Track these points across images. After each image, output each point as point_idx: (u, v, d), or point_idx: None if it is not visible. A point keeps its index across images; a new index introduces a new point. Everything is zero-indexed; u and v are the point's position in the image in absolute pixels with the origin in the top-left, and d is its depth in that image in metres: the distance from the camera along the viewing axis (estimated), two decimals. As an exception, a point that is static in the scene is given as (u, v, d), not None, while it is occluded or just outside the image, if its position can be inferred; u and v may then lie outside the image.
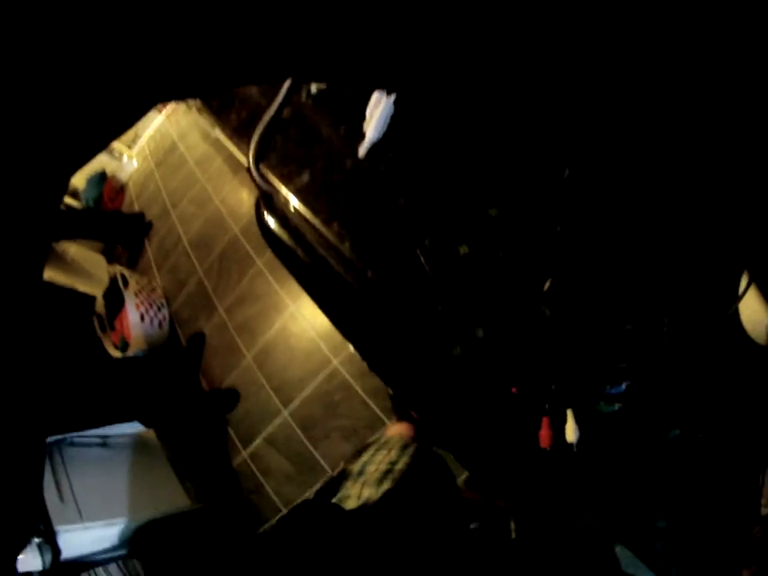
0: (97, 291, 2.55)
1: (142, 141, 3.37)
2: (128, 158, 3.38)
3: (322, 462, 1.89)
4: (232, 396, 2.18)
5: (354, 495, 0.69)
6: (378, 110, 0.69)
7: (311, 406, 1.96)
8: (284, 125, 0.80)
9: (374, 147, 0.70)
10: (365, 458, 0.81)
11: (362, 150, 0.70)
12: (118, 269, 2.46)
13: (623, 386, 0.54)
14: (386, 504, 0.65)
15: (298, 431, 1.97)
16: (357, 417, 1.84)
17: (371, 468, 0.76)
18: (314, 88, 0.79)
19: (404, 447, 0.81)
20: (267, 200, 0.85)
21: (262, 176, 0.79)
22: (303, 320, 2.08)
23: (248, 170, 0.81)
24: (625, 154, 0.55)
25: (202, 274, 2.50)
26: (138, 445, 2.19)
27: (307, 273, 0.81)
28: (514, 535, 0.66)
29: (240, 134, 0.83)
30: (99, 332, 2.46)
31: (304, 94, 0.80)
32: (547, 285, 0.57)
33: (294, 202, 0.74)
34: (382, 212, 0.67)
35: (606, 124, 0.55)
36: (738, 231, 0.51)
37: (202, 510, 2.08)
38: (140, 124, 3.36)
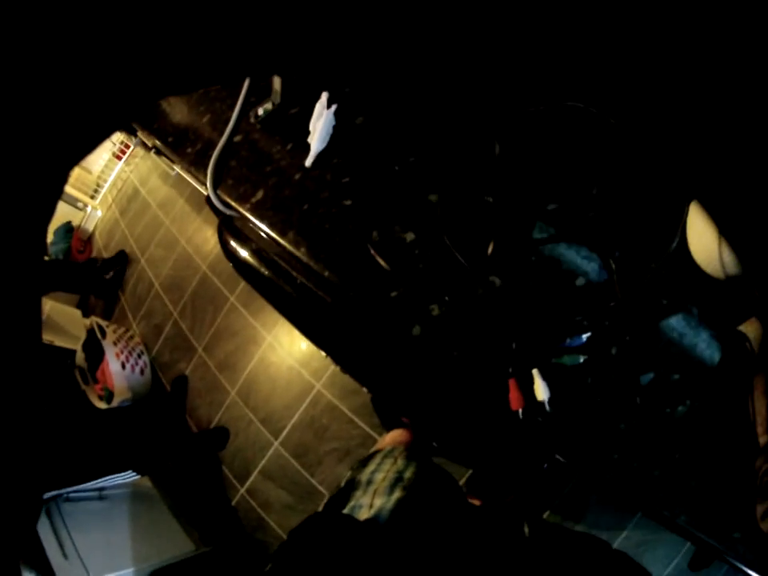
0: (75, 345, 2.52)
1: (104, 190, 3.35)
2: (92, 208, 3.36)
3: (320, 487, 1.88)
4: (222, 434, 2.16)
5: (365, 505, 0.68)
6: (320, 123, 0.73)
7: (301, 433, 1.95)
8: (236, 149, 0.83)
9: (320, 156, 0.74)
10: (371, 467, 0.80)
11: (309, 161, 0.74)
12: (94, 320, 2.45)
13: (583, 337, 0.55)
14: (401, 512, 0.65)
15: (292, 460, 1.96)
16: (347, 437, 1.84)
17: (379, 476, 0.75)
18: (261, 111, 0.82)
19: (409, 457, 0.81)
20: (228, 224, 0.87)
21: (220, 200, 0.82)
22: (281, 349, 2.08)
23: (207, 197, 0.84)
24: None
25: (177, 316, 2.48)
26: (135, 494, 2.15)
27: (273, 290, 0.84)
28: (527, 534, 0.64)
29: (197, 165, 0.86)
30: (82, 385, 2.43)
31: (252, 118, 0.83)
32: (490, 249, 0.59)
33: (253, 219, 0.77)
34: (331, 215, 0.70)
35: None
36: (677, 162, 0.51)
37: (207, 553, 2.05)
38: (100, 173, 3.35)
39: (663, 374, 0.55)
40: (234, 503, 2.10)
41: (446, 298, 0.61)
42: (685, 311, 0.56)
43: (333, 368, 1.89)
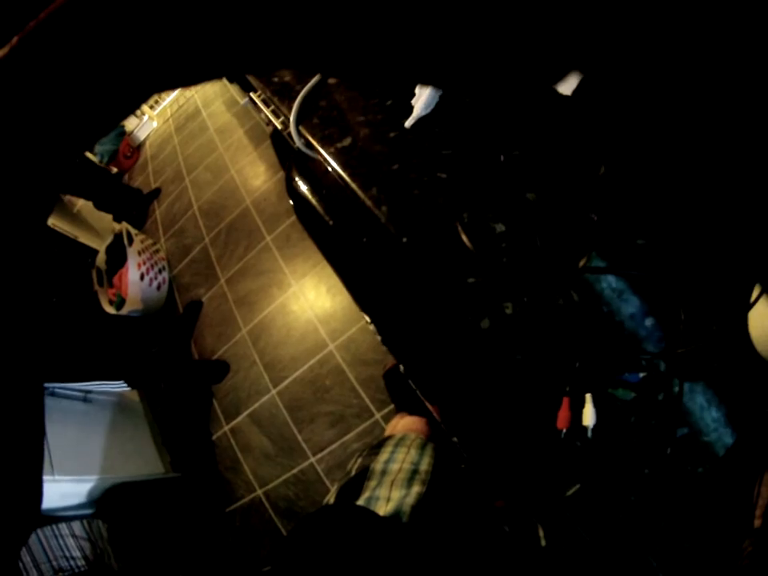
0: (99, 245, 2.52)
1: (165, 103, 3.34)
2: (149, 117, 3.35)
3: (304, 445, 1.87)
4: (221, 368, 2.15)
5: (383, 497, 0.66)
6: (428, 88, 0.69)
7: (300, 387, 1.94)
8: (329, 91, 0.80)
9: (421, 122, 0.70)
10: (384, 455, 0.78)
11: (409, 122, 0.70)
12: (125, 225, 2.44)
13: (639, 375, 0.55)
14: (422, 510, 0.63)
15: (284, 412, 1.95)
16: (346, 404, 1.82)
17: (395, 467, 0.73)
18: None
19: (422, 446, 0.80)
20: (300, 161, 0.85)
21: (301, 135, 0.79)
22: (304, 301, 2.06)
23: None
24: (657, 157, 0.56)
25: (208, 241, 2.48)
26: (119, 405, 2.16)
27: (331, 240, 0.83)
28: (543, 542, 0.63)
29: (282, 97, 0.83)
30: (97, 286, 2.43)
31: None
32: (582, 262, 0.57)
33: (334, 165, 0.74)
34: (422, 183, 0.67)
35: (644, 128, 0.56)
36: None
37: (175, 479, 2.05)
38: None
39: (696, 433, 0.55)
40: (214, 437, 2.09)
41: (525, 299, 0.59)
42: (726, 379, 0.55)
43: (350, 333, 1.87)
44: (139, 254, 2.37)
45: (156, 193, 2.92)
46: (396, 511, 0.63)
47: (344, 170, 0.72)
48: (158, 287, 2.42)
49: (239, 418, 2.06)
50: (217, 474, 2.04)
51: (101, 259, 2.48)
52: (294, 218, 2.19)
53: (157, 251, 2.54)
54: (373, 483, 0.71)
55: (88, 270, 2.48)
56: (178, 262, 2.56)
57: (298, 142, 0.80)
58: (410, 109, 0.71)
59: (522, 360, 0.58)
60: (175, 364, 2.28)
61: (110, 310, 2.35)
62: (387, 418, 1.71)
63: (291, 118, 0.79)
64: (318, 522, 0.60)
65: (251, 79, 0.92)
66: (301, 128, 0.78)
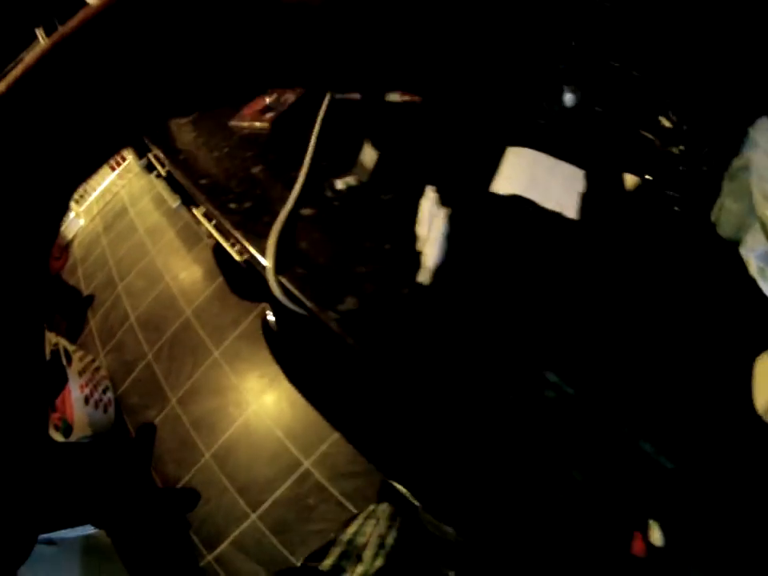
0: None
1: (91, 198, 3.13)
2: (75, 214, 3.13)
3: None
4: (191, 495, 1.97)
5: (348, 571, 0.67)
6: (434, 229, 0.58)
7: (283, 509, 1.79)
8: (307, 227, 0.65)
9: (438, 273, 0.58)
10: (353, 528, 0.78)
11: (423, 276, 0.57)
12: (61, 342, 2.23)
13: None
14: None
15: (270, 536, 1.79)
16: (335, 520, 1.67)
17: (362, 540, 0.73)
18: (340, 184, 0.66)
19: (392, 518, 0.79)
20: (282, 317, 0.72)
21: (285, 290, 0.62)
22: (268, 419, 1.93)
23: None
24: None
25: (152, 358, 2.32)
26: (89, 545, 1.96)
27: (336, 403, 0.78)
28: None
29: (246, 230, 0.67)
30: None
31: (329, 190, 0.67)
32: None
33: (343, 334, 0.57)
34: (458, 352, 0.52)
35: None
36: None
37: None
38: (90, 179, 3.15)
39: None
40: (201, 564, 1.88)
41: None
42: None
43: (324, 448, 1.77)
44: (80, 374, 2.18)
45: (89, 300, 2.69)
46: None
47: (359, 342, 0.55)
48: (105, 409, 2.22)
49: (222, 547, 1.87)
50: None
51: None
52: (240, 329, 2.03)
53: (97, 369, 2.33)
54: (337, 550, 0.71)
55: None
56: (121, 381, 2.38)
57: (285, 301, 0.63)
58: (414, 253, 0.58)
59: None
60: (136, 495, 2.06)
61: (58, 437, 2.12)
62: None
63: (268, 267, 0.62)
64: None
65: (200, 200, 0.76)
66: (282, 280, 0.62)
